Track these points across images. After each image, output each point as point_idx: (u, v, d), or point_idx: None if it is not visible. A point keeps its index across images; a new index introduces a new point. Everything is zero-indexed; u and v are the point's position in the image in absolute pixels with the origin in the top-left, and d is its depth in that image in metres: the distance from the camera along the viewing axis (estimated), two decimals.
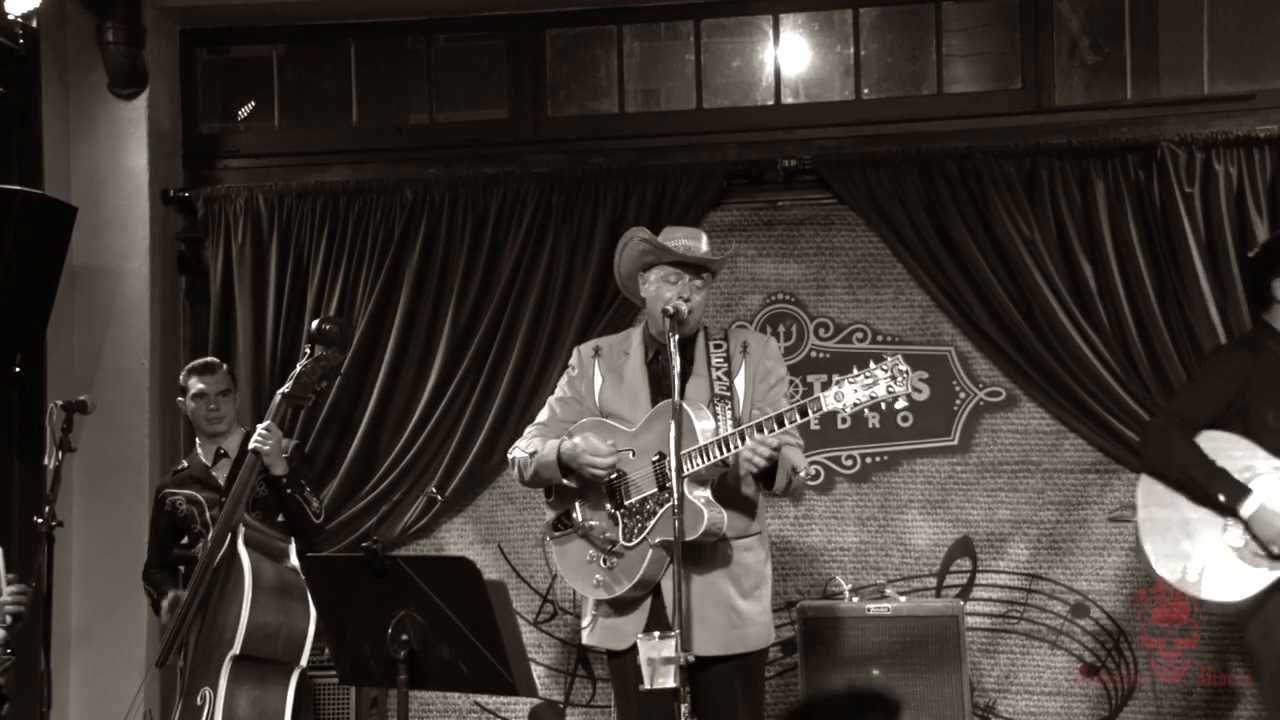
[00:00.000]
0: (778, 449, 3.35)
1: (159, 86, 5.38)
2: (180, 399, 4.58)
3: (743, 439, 3.38)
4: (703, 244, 3.73)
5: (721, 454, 3.41)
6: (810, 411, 3.29)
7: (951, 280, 4.92)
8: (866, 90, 5.27)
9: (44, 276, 4.74)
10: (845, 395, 3.25)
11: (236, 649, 3.73)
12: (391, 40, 5.58)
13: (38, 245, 4.65)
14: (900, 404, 3.30)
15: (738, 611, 3.59)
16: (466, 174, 5.26)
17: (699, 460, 3.42)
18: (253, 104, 5.68)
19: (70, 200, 5.03)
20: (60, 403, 4.28)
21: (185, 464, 4.60)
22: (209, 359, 4.66)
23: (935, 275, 4.95)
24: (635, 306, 3.99)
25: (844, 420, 5.01)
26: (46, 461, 4.36)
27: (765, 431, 3.35)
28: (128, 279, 5.29)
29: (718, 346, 3.71)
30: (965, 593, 4.94)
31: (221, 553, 3.87)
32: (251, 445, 4.12)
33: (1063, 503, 4.92)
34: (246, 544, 3.85)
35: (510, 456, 3.82)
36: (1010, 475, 4.98)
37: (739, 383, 3.67)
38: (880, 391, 3.22)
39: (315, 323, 4.29)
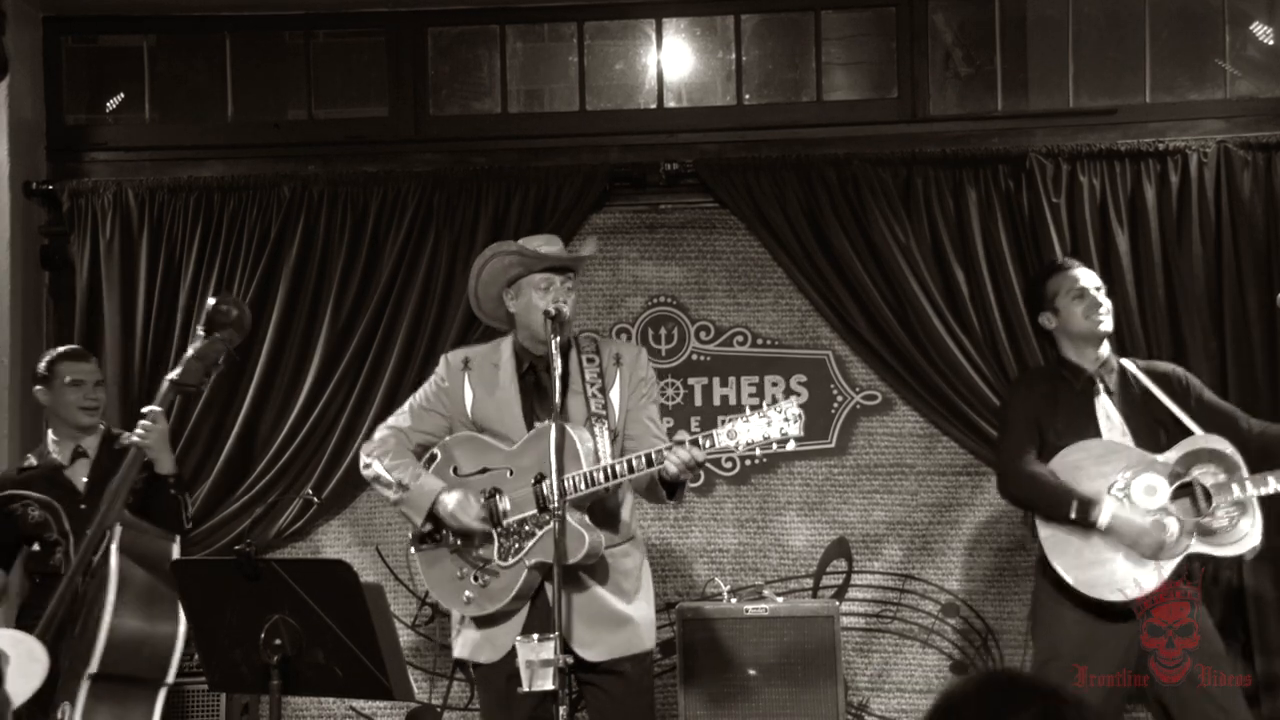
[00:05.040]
0: (703, 464, 3.45)
1: (20, 74, 5.16)
2: (39, 388, 4.13)
3: (631, 469, 3.41)
4: (560, 247, 3.74)
5: (604, 481, 3.43)
6: (702, 444, 3.37)
7: (830, 285, 5.00)
8: (748, 96, 5.32)
9: None
10: (738, 434, 3.35)
11: (93, 666, 3.52)
12: (269, 34, 5.45)
13: None
14: (790, 446, 3.37)
15: (623, 616, 3.60)
16: (346, 172, 5.17)
17: (582, 486, 3.42)
18: (122, 95, 5.51)
19: None
20: None
21: (33, 461, 4.15)
22: (77, 347, 4.35)
23: (814, 280, 5.02)
24: None
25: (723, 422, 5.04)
26: None
27: (655, 461, 3.39)
28: None
29: (590, 361, 3.70)
30: (841, 593, 5.02)
31: (97, 557, 3.63)
32: (134, 438, 3.84)
33: (935, 504, 5.02)
34: (121, 549, 3.61)
35: (366, 464, 3.73)
36: (885, 477, 5.07)
37: (614, 396, 3.68)
38: (774, 433, 3.32)
39: (211, 302, 4.00)
